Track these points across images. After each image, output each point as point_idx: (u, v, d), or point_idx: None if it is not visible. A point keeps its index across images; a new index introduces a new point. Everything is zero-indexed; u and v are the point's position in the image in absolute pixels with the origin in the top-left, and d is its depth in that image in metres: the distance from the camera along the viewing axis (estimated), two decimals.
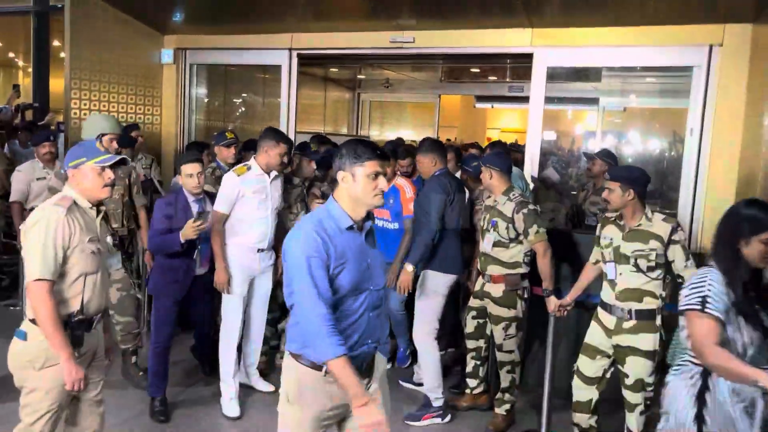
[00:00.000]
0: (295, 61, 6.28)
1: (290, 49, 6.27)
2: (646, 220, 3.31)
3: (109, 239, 2.98)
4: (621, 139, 8.98)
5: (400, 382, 4.72)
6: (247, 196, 4.08)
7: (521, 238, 3.92)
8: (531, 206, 3.94)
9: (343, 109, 11.20)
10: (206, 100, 7.43)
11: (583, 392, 3.52)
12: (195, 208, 3.99)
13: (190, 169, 3.97)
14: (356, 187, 2.32)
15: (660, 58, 5.22)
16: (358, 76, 10.44)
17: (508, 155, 4.62)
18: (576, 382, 3.54)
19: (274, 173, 4.21)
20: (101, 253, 2.75)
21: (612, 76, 7.73)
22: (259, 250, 4.19)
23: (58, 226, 2.55)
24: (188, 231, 3.78)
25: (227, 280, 4.10)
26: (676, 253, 3.28)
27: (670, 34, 4.96)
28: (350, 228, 2.33)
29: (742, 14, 4.70)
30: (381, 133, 11.54)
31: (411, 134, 11.22)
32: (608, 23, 5.08)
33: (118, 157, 2.77)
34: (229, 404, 4.15)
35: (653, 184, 7.55)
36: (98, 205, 2.78)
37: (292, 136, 6.22)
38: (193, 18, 6.46)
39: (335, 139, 8.06)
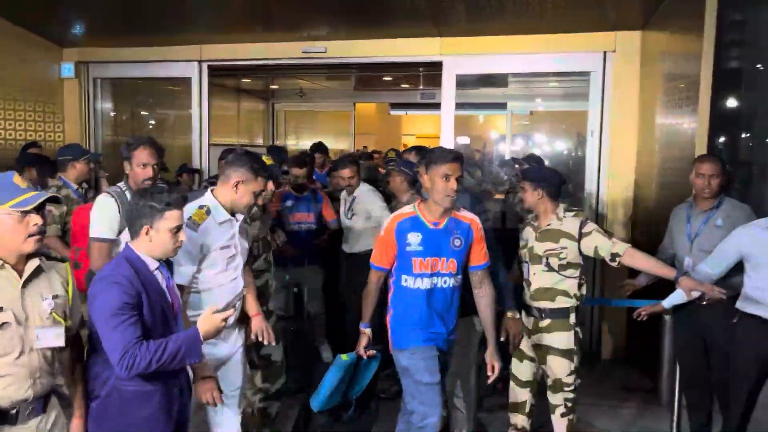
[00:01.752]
0: (205, 72, 6.17)
1: (200, 61, 6.15)
2: (556, 219, 3.32)
3: (47, 304, 2.11)
4: (529, 141, 9.37)
5: None
6: (211, 255, 2.88)
7: None
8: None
9: (258, 120, 11.06)
10: (113, 114, 7.15)
11: (518, 394, 3.47)
12: (163, 278, 2.38)
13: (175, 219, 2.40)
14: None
15: (560, 64, 5.52)
16: (272, 87, 10.35)
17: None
18: (511, 384, 3.51)
19: (239, 215, 3.02)
20: (21, 326, 2.04)
21: (518, 81, 8.05)
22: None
23: None
24: (214, 323, 2.27)
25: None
26: (595, 241, 3.24)
27: (569, 41, 5.25)
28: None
29: (631, 22, 5.04)
30: (298, 143, 11.48)
31: (328, 143, 11.20)
32: (511, 32, 5.31)
33: (45, 195, 2.10)
34: None
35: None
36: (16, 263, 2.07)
37: (204, 149, 6.11)
38: (95, 30, 6.22)
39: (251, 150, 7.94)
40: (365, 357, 3.13)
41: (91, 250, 3.08)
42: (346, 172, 4.76)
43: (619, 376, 4.90)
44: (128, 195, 3.07)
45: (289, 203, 4.92)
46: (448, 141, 5.64)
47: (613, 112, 5.22)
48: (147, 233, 2.24)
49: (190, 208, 2.79)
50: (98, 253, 3.04)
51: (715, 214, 3.42)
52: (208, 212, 2.86)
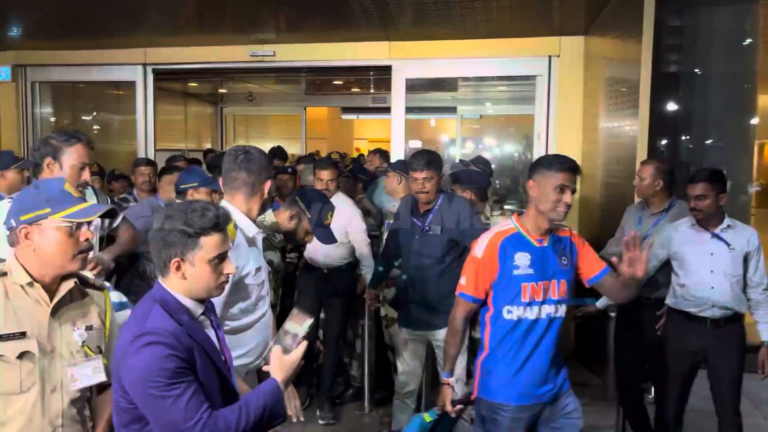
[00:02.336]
0: (150, 76, 6.03)
1: (144, 65, 6.01)
2: (484, 218, 3.58)
3: (78, 335, 1.79)
4: (479, 145, 9.50)
5: None
6: (245, 283, 2.33)
7: None
8: None
9: (206, 124, 10.87)
10: (53, 119, 6.90)
11: None
12: (211, 325, 1.86)
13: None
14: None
15: (507, 69, 5.62)
16: (220, 90, 10.19)
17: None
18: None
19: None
20: (44, 357, 1.73)
21: (467, 85, 8.15)
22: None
23: None
24: (291, 366, 1.78)
25: None
26: None
27: (515, 46, 5.34)
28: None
29: (574, 28, 5.17)
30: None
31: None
32: (459, 36, 5.38)
33: (104, 207, 1.89)
34: None
35: (510, 185, 8.06)
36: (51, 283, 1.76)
37: (151, 155, 5.96)
38: (34, 32, 5.99)
39: (199, 155, 7.80)
40: (453, 414, 2.55)
41: None
42: (325, 174, 4.23)
43: (570, 372, 4.99)
44: None
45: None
46: (399, 145, 5.66)
47: (559, 115, 5.34)
48: (178, 268, 1.67)
49: None
50: None
51: (665, 216, 3.53)
52: (236, 226, 2.28)
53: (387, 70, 5.68)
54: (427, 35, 5.42)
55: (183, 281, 1.68)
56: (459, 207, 3.38)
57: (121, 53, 5.99)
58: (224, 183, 2.39)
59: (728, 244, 3.16)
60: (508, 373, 2.45)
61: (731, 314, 3.20)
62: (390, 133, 5.76)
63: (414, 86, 6.16)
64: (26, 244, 1.72)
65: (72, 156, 2.63)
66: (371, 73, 8.03)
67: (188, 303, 1.70)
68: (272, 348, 1.79)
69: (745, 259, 3.18)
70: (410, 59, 5.57)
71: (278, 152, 6.63)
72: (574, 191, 2.45)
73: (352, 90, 9.84)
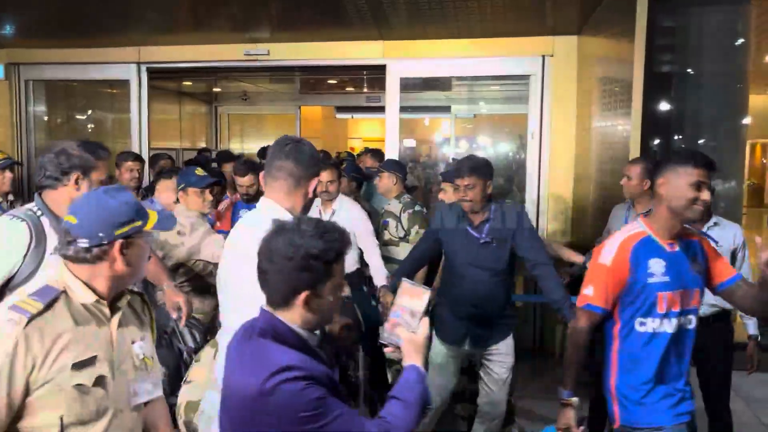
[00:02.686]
0: (144, 75, 6.02)
1: (138, 63, 5.99)
2: None
3: (138, 347, 1.74)
4: (473, 144, 9.52)
5: None
6: None
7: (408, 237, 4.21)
8: (417, 207, 4.32)
9: (201, 123, 10.85)
10: (46, 118, 6.88)
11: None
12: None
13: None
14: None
15: (501, 68, 5.63)
16: (214, 89, 10.18)
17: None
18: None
19: None
20: (113, 379, 1.65)
21: (461, 85, 8.17)
22: None
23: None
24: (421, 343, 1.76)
25: None
26: None
27: (509, 45, 5.36)
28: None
29: (568, 27, 5.19)
30: (242, 146, 11.32)
31: None
32: (453, 36, 5.39)
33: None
34: None
35: (504, 184, 8.09)
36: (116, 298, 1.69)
37: (145, 153, 5.95)
38: (27, 30, 5.97)
39: (193, 154, 7.80)
40: None
41: None
42: (324, 176, 3.94)
43: (561, 370, 5.01)
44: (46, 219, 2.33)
45: (244, 213, 4.11)
46: (393, 144, 5.67)
47: (552, 114, 5.37)
48: (308, 301, 1.50)
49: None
50: None
51: None
52: None
53: (381, 69, 5.69)
54: (421, 34, 5.43)
55: (306, 313, 1.51)
56: (514, 215, 3.21)
57: (115, 52, 5.97)
58: (266, 174, 2.14)
59: (716, 242, 3.19)
60: (655, 393, 2.23)
61: (719, 311, 3.23)
62: (384, 132, 5.77)
63: (408, 85, 6.17)
64: (118, 260, 1.60)
65: (101, 171, 2.47)
66: (365, 73, 8.05)
67: (304, 334, 1.54)
68: (390, 330, 1.69)
69: (732, 256, 3.21)
70: (404, 58, 5.58)
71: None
72: (712, 190, 2.28)
73: (347, 89, 9.84)
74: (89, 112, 7.97)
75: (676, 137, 5.45)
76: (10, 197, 4.13)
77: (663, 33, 5.00)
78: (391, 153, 5.64)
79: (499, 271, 3.22)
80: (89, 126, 8.04)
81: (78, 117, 7.83)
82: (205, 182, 3.51)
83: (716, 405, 3.26)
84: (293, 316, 1.52)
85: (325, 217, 3.92)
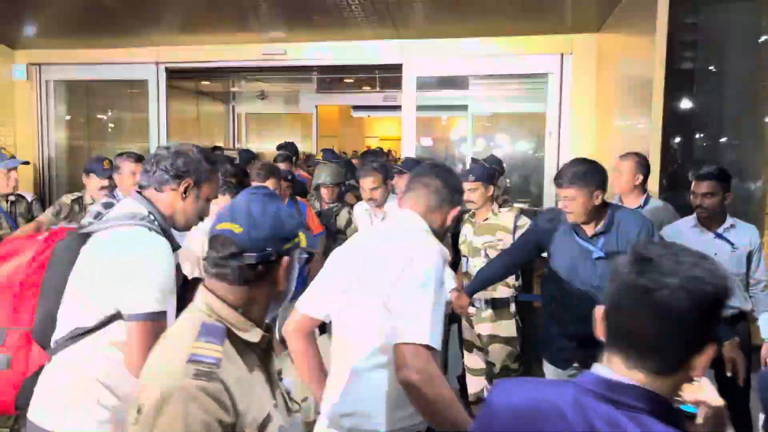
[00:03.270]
0: (163, 75, 6.07)
1: (157, 63, 6.05)
2: (492, 214, 3.59)
3: (286, 382, 1.61)
4: (490, 142, 9.46)
5: None
6: None
7: None
8: None
9: (219, 122, 10.92)
10: (68, 117, 6.96)
11: (473, 384, 3.68)
12: None
13: None
14: None
15: (519, 66, 5.59)
16: (232, 89, 10.24)
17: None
18: (467, 376, 3.71)
19: None
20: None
21: (479, 83, 8.12)
22: None
23: None
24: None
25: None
26: None
27: (527, 43, 5.32)
28: None
29: (587, 25, 5.13)
30: (260, 146, 11.37)
31: None
32: (470, 34, 5.36)
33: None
34: None
35: (522, 183, 8.04)
36: None
37: None
38: (48, 32, 6.05)
39: None
40: None
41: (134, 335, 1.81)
42: (368, 182, 3.72)
43: None
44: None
45: None
46: (410, 142, 5.66)
47: (571, 113, 5.32)
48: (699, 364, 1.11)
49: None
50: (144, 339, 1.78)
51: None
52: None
53: (398, 68, 5.68)
54: (438, 33, 5.41)
55: (684, 379, 1.11)
56: (637, 225, 2.78)
57: (134, 52, 6.03)
58: (410, 188, 2.10)
59: (732, 244, 3.15)
60: None
61: (737, 313, 3.18)
62: (401, 130, 5.76)
63: (425, 84, 6.15)
64: (281, 279, 1.35)
65: (213, 186, 2.11)
66: (379, 72, 8.05)
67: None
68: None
69: (749, 258, 3.17)
70: (421, 57, 5.56)
71: (288, 147, 6.44)
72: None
73: (363, 88, 9.84)
74: (109, 112, 8.06)
75: (697, 135, 5.38)
76: (12, 197, 3.97)
77: (684, 30, 4.94)
78: (408, 152, 5.63)
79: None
80: (109, 125, 8.13)
81: (98, 116, 7.92)
82: None
83: (736, 408, 3.21)
84: (672, 386, 1.10)
85: (377, 221, 3.80)
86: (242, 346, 1.30)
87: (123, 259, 1.82)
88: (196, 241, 3.09)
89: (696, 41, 5.15)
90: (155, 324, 1.78)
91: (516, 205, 5.00)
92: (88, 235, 1.93)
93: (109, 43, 6.01)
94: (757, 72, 5.21)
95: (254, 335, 1.32)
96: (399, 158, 7.47)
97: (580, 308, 2.74)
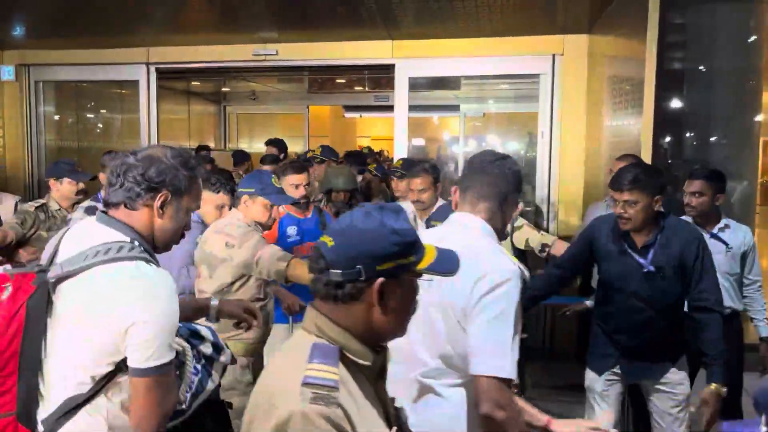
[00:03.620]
0: (153, 75, 6.04)
1: (147, 63, 6.01)
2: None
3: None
4: (482, 142, 9.47)
5: None
6: None
7: None
8: None
9: (209, 123, 10.88)
10: (57, 118, 6.91)
11: None
12: None
13: None
14: None
15: (510, 67, 5.60)
16: (223, 89, 10.20)
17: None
18: None
19: None
20: None
21: (470, 84, 8.13)
22: None
23: None
24: None
25: None
26: (526, 234, 3.61)
27: (519, 44, 5.33)
28: None
29: (578, 26, 5.15)
30: (251, 146, 11.34)
31: None
32: (462, 35, 5.36)
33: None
34: None
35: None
36: None
37: None
38: (37, 32, 6.00)
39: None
40: None
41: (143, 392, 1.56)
42: (416, 183, 3.58)
43: (570, 373, 4.99)
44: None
45: (292, 231, 3.41)
46: (402, 143, 5.65)
47: (563, 113, 5.33)
48: None
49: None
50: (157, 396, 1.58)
51: None
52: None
53: (390, 68, 5.67)
54: (430, 34, 5.41)
55: None
56: (690, 238, 2.64)
57: (124, 52, 6.00)
58: (467, 186, 1.91)
59: (726, 244, 3.17)
60: None
61: (730, 312, 3.20)
62: (393, 131, 5.75)
63: (417, 85, 6.14)
64: (375, 305, 1.21)
65: (195, 195, 1.78)
66: (371, 72, 8.04)
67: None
68: None
69: (743, 258, 3.19)
70: (413, 58, 5.56)
71: (278, 144, 6.34)
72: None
73: (355, 88, 9.83)
74: (99, 112, 8.01)
75: (687, 135, 5.40)
76: None
77: (675, 30, 4.96)
78: (401, 152, 5.62)
79: (665, 305, 2.66)
80: (99, 126, 8.08)
81: (88, 117, 7.87)
82: (289, 201, 3.06)
83: (727, 405, 3.23)
84: None
85: (422, 226, 3.64)
86: (354, 369, 1.21)
87: (120, 304, 1.52)
88: (211, 242, 2.83)
89: (686, 41, 5.17)
90: (166, 377, 1.55)
91: None
92: (63, 279, 1.58)
93: (99, 44, 5.97)
94: (747, 71, 5.24)
95: (367, 357, 1.22)
96: (391, 159, 7.47)
97: (628, 319, 2.71)
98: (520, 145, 9.33)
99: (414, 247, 1.23)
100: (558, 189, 5.40)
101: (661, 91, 4.01)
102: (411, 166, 4.55)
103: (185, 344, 1.77)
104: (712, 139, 5.40)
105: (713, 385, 2.55)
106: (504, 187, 1.87)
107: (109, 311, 1.52)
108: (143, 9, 5.02)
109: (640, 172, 2.63)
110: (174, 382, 1.63)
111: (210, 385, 1.81)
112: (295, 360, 1.18)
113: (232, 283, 2.81)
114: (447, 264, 1.27)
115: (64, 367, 1.58)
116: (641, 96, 3.94)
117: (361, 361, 1.21)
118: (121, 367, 1.55)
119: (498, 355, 1.66)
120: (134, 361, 1.51)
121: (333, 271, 1.18)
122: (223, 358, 1.89)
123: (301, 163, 3.71)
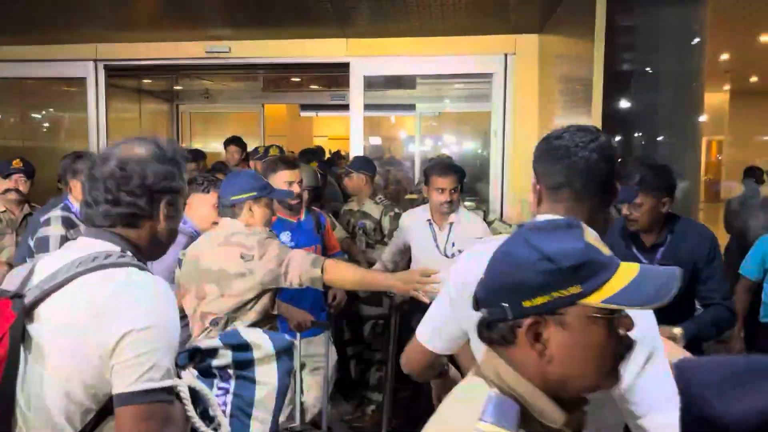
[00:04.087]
0: (101, 73, 5.87)
1: (95, 60, 5.84)
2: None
3: None
4: (438, 142, 9.56)
5: None
6: None
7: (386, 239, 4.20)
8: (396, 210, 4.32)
9: (162, 122, 10.65)
10: None
11: None
12: None
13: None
14: None
15: (463, 66, 5.65)
16: (175, 87, 10.00)
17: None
18: None
19: None
20: None
21: (426, 83, 8.18)
22: None
23: None
24: None
25: None
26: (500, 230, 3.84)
27: (471, 43, 5.38)
28: None
29: (529, 26, 5.23)
30: (205, 145, 11.15)
31: None
32: (416, 34, 5.38)
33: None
34: None
35: (469, 182, 8.15)
36: None
37: None
38: None
39: None
40: None
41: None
42: (447, 181, 3.39)
43: None
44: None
45: (286, 237, 3.26)
46: (358, 142, 5.64)
47: (515, 112, 5.41)
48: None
49: None
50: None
51: None
52: None
53: (345, 67, 5.66)
54: (384, 32, 5.42)
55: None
56: (699, 239, 2.58)
57: (70, 49, 5.81)
58: (560, 181, 1.56)
59: None
60: None
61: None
62: (349, 130, 5.74)
63: (372, 83, 6.15)
64: (534, 351, 0.99)
65: (185, 199, 1.65)
66: (329, 70, 8.00)
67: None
68: None
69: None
70: (368, 56, 5.56)
71: (237, 141, 6.40)
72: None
73: (311, 87, 9.77)
74: (45, 111, 7.75)
75: (635, 134, 5.54)
76: None
77: (622, 32, 5.07)
78: (356, 151, 5.61)
79: (672, 304, 2.73)
80: (44, 125, 7.82)
81: (33, 116, 7.61)
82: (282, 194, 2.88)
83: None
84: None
85: (442, 236, 3.46)
86: (540, 429, 0.99)
87: (107, 315, 1.27)
88: (216, 258, 2.51)
89: (633, 43, 5.31)
90: (163, 407, 1.26)
91: (466, 203, 5.06)
92: (40, 301, 1.32)
93: (45, 40, 5.77)
94: (691, 73, 5.41)
95: (554, 418, 0.98)
96: (346, 157, 7.45)
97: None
98: (476, 144, 9.44)
99: (578, 273, 0.95)
100: (510, 187, 5.48)
101: (609, 92, 4.12)
102: (365, 163, 4.58)
103: (197, 382, 1.43)
104: (659, 138, 5.56)
105: (675, 329, 2.44)
106: (604, 182, 1.50)
107: (93, 325, 1.26)
108: (91, 3, 4.88)
109: (647, 173, 2.53)
110: (176, 419, 1.31)
111: (261, 391, 1.52)
112: (466, 412, 0.99)
113: (252, 299, 2.47)
114: (648, 288, 0.96)
115: (39, 414, 1.30)
116: (590, 96, 4.04)
117: (549, 422, 0.99)
118: (108, 406, 1.28)
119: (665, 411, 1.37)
120: (121, 384, 1.24)
121: (483, 309, 1.02)
122: (257, 354, 1.55)
123: (293, 159, 3.55)
